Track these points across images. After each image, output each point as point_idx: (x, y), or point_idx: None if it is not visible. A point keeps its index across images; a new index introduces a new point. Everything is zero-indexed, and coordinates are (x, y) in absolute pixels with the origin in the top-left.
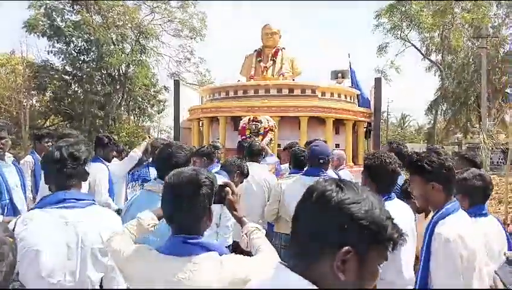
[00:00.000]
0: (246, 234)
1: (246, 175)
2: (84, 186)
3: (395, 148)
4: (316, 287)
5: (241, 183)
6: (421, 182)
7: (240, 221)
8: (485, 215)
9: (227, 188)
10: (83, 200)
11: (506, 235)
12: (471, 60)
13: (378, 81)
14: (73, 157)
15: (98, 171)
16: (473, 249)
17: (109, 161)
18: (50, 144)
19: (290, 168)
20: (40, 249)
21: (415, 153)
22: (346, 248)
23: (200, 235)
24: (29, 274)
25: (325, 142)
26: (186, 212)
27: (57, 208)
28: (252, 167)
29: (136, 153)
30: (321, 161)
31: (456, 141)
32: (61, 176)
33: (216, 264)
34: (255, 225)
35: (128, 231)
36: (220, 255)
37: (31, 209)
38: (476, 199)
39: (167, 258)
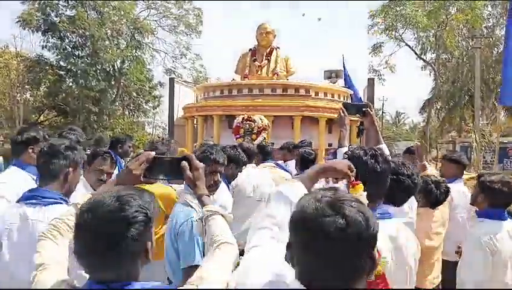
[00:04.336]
0: (200, 219)
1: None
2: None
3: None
4: None
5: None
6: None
7: (199, 200)
8: (505, 219)
9: (184, 163)
10: (49, 198)
11: None
12: (465, 59)
13: (371, 81)
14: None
15: None
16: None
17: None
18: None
19: (296, 169)
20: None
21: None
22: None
23: (132, 281)
24: None
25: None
26: (109, 264)
27: (23, 204)
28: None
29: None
30: None
31: (450, 139)
32: (41, 172)
33: None
34: (213, 208)
35: (67, 225)
36: None
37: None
38: (496, 203)
39: None
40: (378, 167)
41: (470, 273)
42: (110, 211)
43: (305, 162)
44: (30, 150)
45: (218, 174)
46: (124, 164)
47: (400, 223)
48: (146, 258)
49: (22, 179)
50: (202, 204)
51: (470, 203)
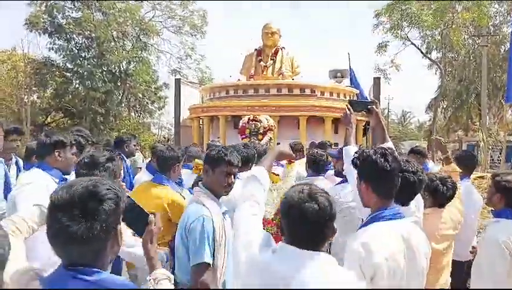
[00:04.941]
0: (153, 279)
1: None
2: None
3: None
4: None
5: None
6: (357, 179)
7: (150, 260)
8: None
9: (152, 217)
10: None
11: None
12: (471, 57)
13: (377, 80)
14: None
15: None
16: (377, 262)
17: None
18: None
19: (307, 171)
20: None
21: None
22: None
23: (102, 269)
24: None
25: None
26: (81, 243)
27: None
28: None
29: None
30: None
31: (457, 138)
32: None
33: None
34: (166, 273)
35: (26, 224)
36: None
37: None
38: None
39: None
40: (387, 165)
41: (487, 274)
42: (83, 187)
43: (316, 165)
44: (57, 153)
45: (232, 176)
46: (129, 163)
47: (412, 223)
48: (116, 243)
49: (46, 181)
50: (152, 267)
51: (485, 203)
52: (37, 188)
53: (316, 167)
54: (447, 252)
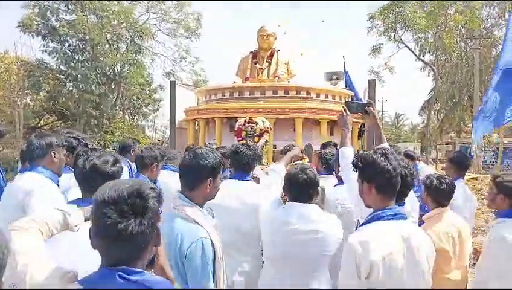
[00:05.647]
0: None
1: None
2: None
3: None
4: None
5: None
6: (358, 181)
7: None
8: None
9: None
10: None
11: None
12: (464, 60)
13: (371, 83)
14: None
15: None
16: (373, 260)
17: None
18: None
19: (319, 170)
20: None
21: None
22: None
23: (143, 269)
24: None
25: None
26: (129, 239)
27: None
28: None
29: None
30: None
31: (450, 140)
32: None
33: None
34: None
35: (47, 227)
36: None
37: None
38: None
39: None
40: (389, 164)
41: (494, 273)
42: (129, 186)
43: (329, 164)
44: (52, 154)
45: None
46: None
47: (414, 224)
48: (158, 241)
49: (49, 185)
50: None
51: (487, 206)
52: (49, 192)
53: (329, 165)
54: (459, 256)
